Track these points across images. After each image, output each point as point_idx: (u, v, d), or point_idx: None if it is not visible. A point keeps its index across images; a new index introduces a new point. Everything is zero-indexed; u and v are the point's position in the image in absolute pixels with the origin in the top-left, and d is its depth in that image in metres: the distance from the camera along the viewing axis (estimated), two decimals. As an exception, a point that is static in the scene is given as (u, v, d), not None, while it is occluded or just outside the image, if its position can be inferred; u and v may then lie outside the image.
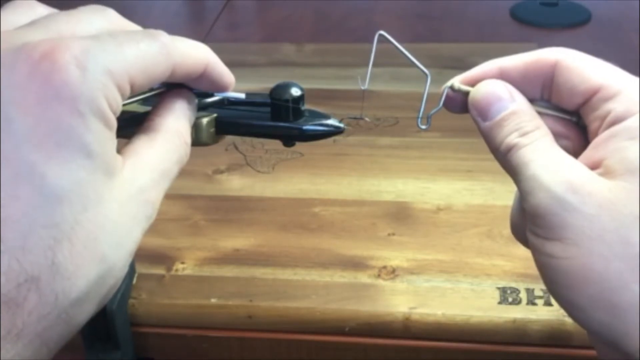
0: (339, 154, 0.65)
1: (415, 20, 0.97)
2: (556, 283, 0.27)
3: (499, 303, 0.48)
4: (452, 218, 0.56)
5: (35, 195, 0.23)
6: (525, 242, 0.31)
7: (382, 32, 0.33)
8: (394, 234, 0.55)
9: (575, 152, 0.30)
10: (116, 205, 0.25)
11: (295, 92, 0.32)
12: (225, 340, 0.50)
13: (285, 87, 0.32)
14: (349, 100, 0.73)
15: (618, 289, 0.26)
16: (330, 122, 0.33)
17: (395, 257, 0.52)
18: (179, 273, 0.52)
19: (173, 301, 0.50)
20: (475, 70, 0.32)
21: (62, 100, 0.23)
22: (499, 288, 0.49)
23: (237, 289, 0.50)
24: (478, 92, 0.31)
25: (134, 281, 0.51)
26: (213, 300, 0.49)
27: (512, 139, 0.29)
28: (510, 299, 0.48)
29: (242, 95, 0.33)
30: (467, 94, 0.32)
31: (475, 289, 0.49)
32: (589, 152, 0.29)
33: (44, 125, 0.23)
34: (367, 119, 0.66)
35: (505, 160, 0.30)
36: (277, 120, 0.33)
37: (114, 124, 0.25)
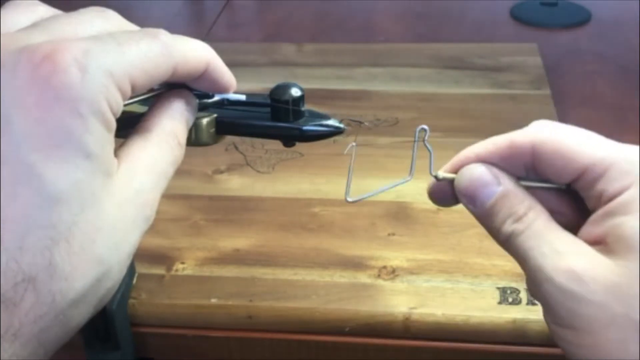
0: (339, 154, 0.64)
1: (415, 20, 0.97)
2: None
3: (499, 303, 0.48)
4: (452, 218, 0.56)
5: (34, 196, 0.23)
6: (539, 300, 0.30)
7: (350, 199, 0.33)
8: (394, 234, 0.55)
9: (571, 223, 0.29)
10: (114, 207, 0.25)
11: (295, 92, 0.32)
12: (225, 340, 0.50)
13: (285, 87, 0.32)
14: (349, 100, 0.73)
15: None
16: (330, 122, 0.33)
17: (395, 257, 0.52)
18: (179, 273, 0.52)
19: (173, 301, 0.50)
20: (455, 160, 0.32)
21: (62, 102, 0.23)
22: (499, 288, 0.49)
23: (237, 289, 0.50)
24: (462, 180, 0.31)
25: (134, 281, 0.51)
26: (213, 300, 0.49)
27: (507, 227, 0.29)
28: (510, 299, 0.48)
29: (243, 97, 0.33)
30: (452, 181, 0.32)
31: (475, 289, 0.49)
32: (589, 228, 0.28)
33: (44, 126, 0.23)
34: (366, 123, 0.66)
35: (506, 247, 0.30)
36: (277, 121, 0.33)
37: (114, 125, 0.25)
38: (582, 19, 0.95)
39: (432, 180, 0.32)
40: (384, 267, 0.51)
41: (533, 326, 0.47)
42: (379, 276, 0.51)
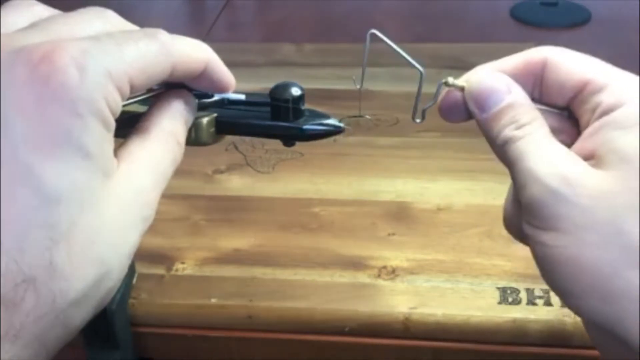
0: (339, 154, 0.65)
1: (415, 20, 0.97)
2: (551, 271, 0.28)
3: (499, 303, 0.48)
4: (452, 218, 0.56)
5: (33, 196, 0.23)
6: (518, 235, 0.31)
7: (374, 30, 0.32)
8: (394, 234, 0.55)
9: (568, 146, 0.30)
10: (113, 207, 0.25)
11: (295, 92, 0.32)
12: (225, 340, 0.50)
13: (285, 87, 0.32)
14: (349, 100, 0.73)
15: (611, 276, 0.26)
16: (330, 121, 0.33)
17: (395, 257, 0.52)
18: (179, 273, 0.52)
19: (173, 301, 0.50)
20: (470, 73, 0.32)
21: (60, 102, 0.23)
22: (499, 288, 0.49)
23: (237, 289, 0.50)
24: (475, 84, 0.31)
25: (134, 281, 0.51)
26: (213, 300, 0.49)
27: (508, 132, 0.30)
28: (510, 299, 0.48)
29: (242, 97, 0.33)
30: (462, 89, 0.32)
31: (475, 289, 0.49)
32: (580, 144, 0.29)
33: (42, 127, 0.23)
34: (367, 116, 0.66)
35: (502, 152, 0.30)
36: (277, 120, 0.33)
37: (113, 125, 0.25)
38: (582, 19, 0.95)
39: (440, 83, 0.32)
40: (384, 267, 0.51)
41: (533, 326, 0.47)
42: (378, 276, 0.51)
